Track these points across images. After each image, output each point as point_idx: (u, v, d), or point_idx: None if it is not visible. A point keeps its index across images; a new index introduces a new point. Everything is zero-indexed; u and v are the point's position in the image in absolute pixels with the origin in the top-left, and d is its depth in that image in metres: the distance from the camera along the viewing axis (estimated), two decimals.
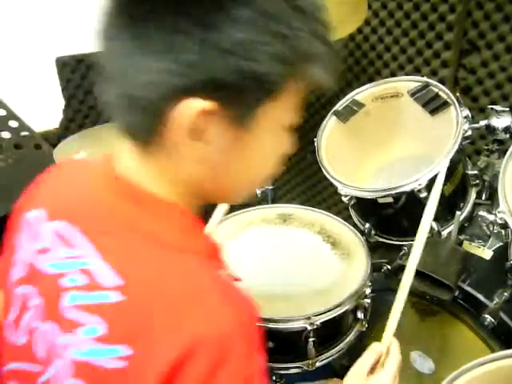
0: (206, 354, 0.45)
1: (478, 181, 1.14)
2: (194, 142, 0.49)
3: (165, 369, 0.44)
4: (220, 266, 0.56)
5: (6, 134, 1.19)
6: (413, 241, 1.15)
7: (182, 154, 0.50)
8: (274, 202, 1.59)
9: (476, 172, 1.13)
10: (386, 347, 0.75)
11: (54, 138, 1.85)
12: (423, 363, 1.09)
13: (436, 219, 1.12)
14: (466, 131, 1.05)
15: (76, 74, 1.83)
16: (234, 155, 0.52)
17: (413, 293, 1.06)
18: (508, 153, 0.92)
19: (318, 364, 0.96)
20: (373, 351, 0.76)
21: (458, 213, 1.04)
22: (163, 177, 0.53)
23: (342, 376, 0.76)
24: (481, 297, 0.97)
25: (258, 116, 0.50)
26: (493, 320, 0.92)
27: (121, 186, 0.53)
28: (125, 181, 0.53)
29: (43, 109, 1.82)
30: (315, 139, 1.23)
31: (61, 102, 1.88)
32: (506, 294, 0.96)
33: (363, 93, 1.27)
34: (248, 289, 1.04)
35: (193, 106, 0.46)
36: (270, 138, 0.54)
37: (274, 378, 1.12)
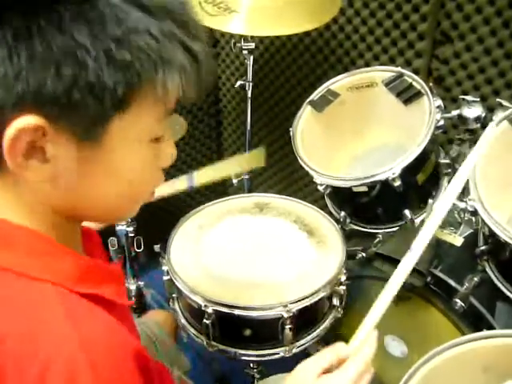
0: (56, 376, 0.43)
1: (450, 169, 1.17)
2: (34, 163, 0.45)
3: None
4: (97, 287, 0.52)
5: None
6: (387, 228, 1.18)
7: (27, 177, 0.47)
8: (250, 191, 1.60)
9: (448, 161, 1.16)
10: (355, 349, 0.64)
11: None
12: (396, 347, 1.12)
13: (409, 207, 1.14)
14: (439, 121, 1.07)
15: None
16: (88, 174, 0.49)
17: (387, 279, 1.08)
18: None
19: (294, 350, 0.97)
20: (335, 351, 0.65)
21: (430, 201, 1.06)
22: (18, 202, 0.50)
23: None
24: (452, 282, 1.00)
25: (108, 131, 0.47)
26: (463, 304, 0.95)
27: None
28: None
29: None
30: (291, 129, 1.23)
31: None
32: (475, 279, 0.99)
33: (338, 82, 1.28)
34: (225, 278, 1.05)
35: (17, 124, 0.43)
36: (129, 152, 0.50)
37: (251, 365, 1.13)
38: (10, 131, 0.43)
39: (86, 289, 0.51)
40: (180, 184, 1.06)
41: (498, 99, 1.10)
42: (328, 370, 0.63)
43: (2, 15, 0.41)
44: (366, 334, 0.65)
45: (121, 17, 0.43)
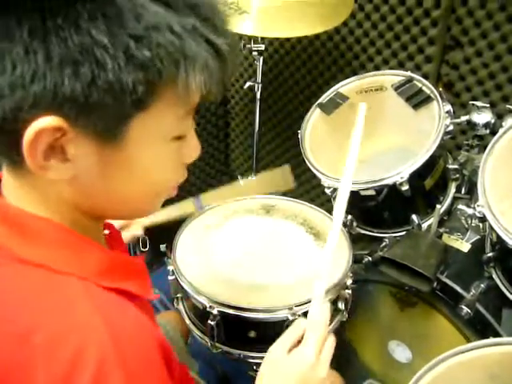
0: (88, 368, 0.43)
1: (458, 175, 1.16)
2: (54, 163, 0.45)
3: None
4: (124, 281, 0.52)
5: None
6: (394, 233, 1.18)
7: (47, 177, 0.46)
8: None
9: (456, 166, 1.15)
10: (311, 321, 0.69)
11: None
12: (401, 352, 1.11)
13: (417, 212, 1.14)
14: (448, 126, 1.07)
15: None
16: (109, 173, 0.48)
17: (393, 284, 1.08)
18: (488, 148, 0.94)
19: None
20: (297, 326, 0.69)
21: (438, 206, 1.06)
22: (39, 199, 0.49)
23: None
24: (458, 288, 0.99)
25: (128, 131, 0.46)
26: (469, 311, 0.94)
27: None
28: (2, 202, 0.50)
29: None
30: (299, 131, 1.23)
31: None
32: (482, 285, 0.98)
33: (347, 86, 1.27)
34: (230, 279, 1.05)
35: (36, 125, 0.42)
36: (151, 151, 0.49)
37: (254, 367, 1.13)
38: (30, 132, 0.43)
39: (112, 283, 0.50)
40: (187, 207, 1.07)
41: (507, 105, 1.10)
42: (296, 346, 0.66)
43: (18, 13, 0.41)
44: (316, 304, 0.70)
45: (140, 12, 0.41)
